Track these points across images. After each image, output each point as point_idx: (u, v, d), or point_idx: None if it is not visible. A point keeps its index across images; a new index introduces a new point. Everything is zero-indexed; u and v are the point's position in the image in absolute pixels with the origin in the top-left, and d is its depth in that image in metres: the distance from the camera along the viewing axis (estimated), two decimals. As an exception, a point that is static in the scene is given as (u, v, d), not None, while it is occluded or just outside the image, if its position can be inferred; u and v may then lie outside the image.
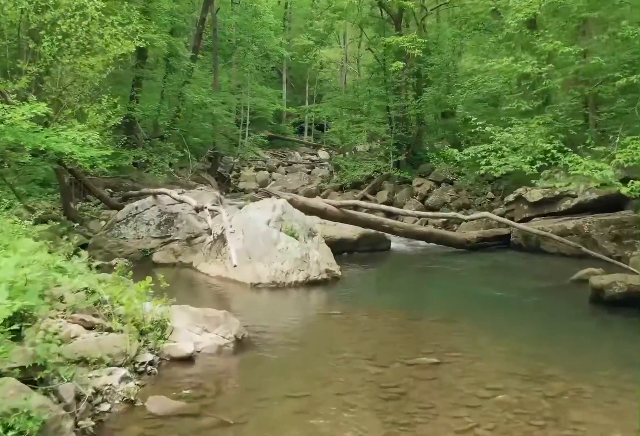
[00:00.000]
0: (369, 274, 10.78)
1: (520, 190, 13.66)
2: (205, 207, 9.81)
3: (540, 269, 11.20)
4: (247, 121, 34.06)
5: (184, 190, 11.54)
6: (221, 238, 10.01)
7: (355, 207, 11.63)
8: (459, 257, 12.31)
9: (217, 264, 9.70)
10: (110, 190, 16.78)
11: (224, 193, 27.05)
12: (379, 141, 33.81)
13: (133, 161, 18.92)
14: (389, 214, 14.17)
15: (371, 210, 11.73)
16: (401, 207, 18.13)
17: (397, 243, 13.14)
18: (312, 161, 35.90)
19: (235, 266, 8.62)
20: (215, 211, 9.75)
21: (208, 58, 34.76)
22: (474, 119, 10.01)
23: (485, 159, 9.32)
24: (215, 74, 28.21)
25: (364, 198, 19.46)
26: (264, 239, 9.32)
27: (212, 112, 25.80)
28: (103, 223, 12.23)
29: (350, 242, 12.16)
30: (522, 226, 11.76)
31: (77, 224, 12.11)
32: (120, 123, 18.09)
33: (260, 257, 9.14)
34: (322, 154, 38.23)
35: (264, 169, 31.21)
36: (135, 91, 19.36)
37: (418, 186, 18.76)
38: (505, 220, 12.05)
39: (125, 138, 19.64)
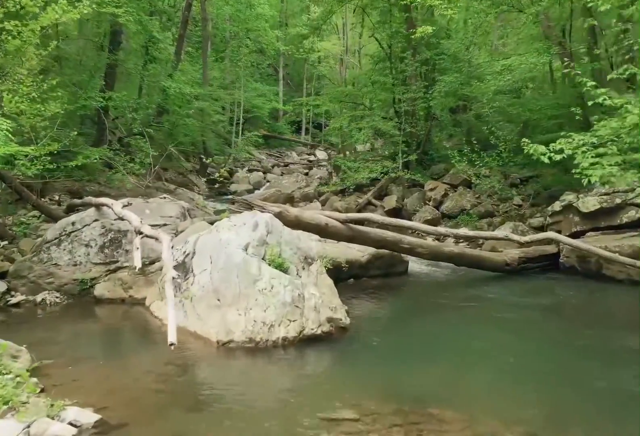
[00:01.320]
0: (387, 318, 7.63)
1: (569, 197, 10.56)
2: (141, 233, 6.63)
3: (612, 306, 8.14)
4: (241, 119, 30.92)
5: (129, 201, 8.38)
6: (182, 267, 6.93)
7: (364, 222, 8.50)
8: (497, 284, 9.21)
9: (176, 306, 6.59)
10: (69, 196, 13.70)
11: (213, 196, 24.06)
12: (380, 140, 30.88)
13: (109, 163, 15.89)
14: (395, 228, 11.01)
15: (383, 224, 8.48)
16: (413, 214, 15.09)
17: (415, 264, 10.06)
18: (310, 161, 32.75)
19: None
20: (154, 237, 6.52)
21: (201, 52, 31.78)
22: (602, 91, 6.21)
23: (585, 156, 6.02)
24: (204, 67, 25.10)
25: (368, 204, 16.38)
26: (239, 273, 6.22)
27: (201, 108, 22.77)
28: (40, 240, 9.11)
29: (359, 265, 9.08)
30: (607, 254, 8.54)
31: (5, 242, 9.01)
32: (83, 114, 15.29)
33: (234, 301, 6.05)
34: (320, 154, 35.11)
35: (258, 170, 28.06)
36: (107, 81, 16.28)
37: (431, 189, 15.67)
38: (590, 248, 8.78)
39: (96, 135, 16.65)
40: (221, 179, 26.17)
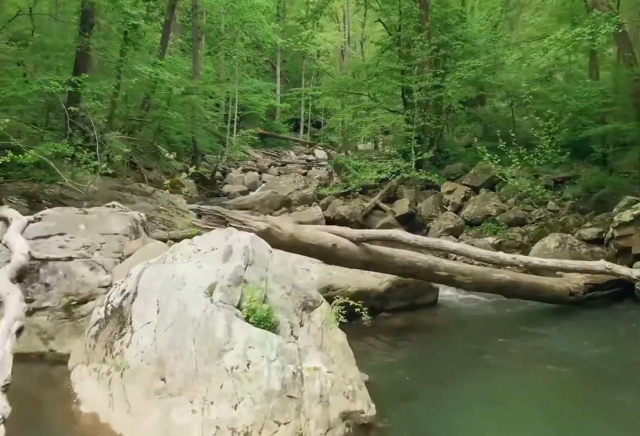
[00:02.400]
0: (426, 388, 5.03)
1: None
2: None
3: None
4: (236, 116, 28.35)
5: (54, 211, 5.79)
6: (118, 314, 4.41)
7: (381, 240, 5.88)
8: (557, 322, 6.68)
9: (100, 382, 4.06)
10: (24, 200, 11.15)
11: (203, 198, 21.48)
12: (382, 137, 28.40)
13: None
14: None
15: (415, 246, 5.76)
16: (429, 221, 12.56)
17: (445, 290, 7.53)
18: (308, 161, 30.19)
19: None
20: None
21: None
22: None
23: None
24: (195, 58, 22.51)
25: (375, 208, 13.84)
26: (197, 336, 3.68)
27: (189, 102, 20.20)
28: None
29: (375, 296, 6.54)
30: None
31: None
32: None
33: (185, 385, 3.51)
34: (319, 153, 32.55)
35: (253, 170, 25.50)
36: (77, 67, 13.68)
37: (449, 192, 13.12)
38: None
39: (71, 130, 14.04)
40: (217, 179, 23.69)
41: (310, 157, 31.42)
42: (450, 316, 6.99)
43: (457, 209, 12.83)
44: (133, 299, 4.42)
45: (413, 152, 13.30)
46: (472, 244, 10.49)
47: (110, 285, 5.22)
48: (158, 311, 4.13)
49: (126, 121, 16.85)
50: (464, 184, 13.38)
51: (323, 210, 14.34)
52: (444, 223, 11.39)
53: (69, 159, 10.89)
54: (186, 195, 19.10)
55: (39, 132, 13.71)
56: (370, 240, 5.39)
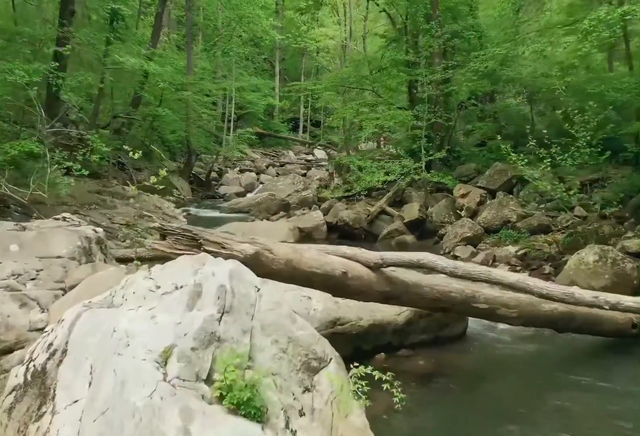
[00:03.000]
0: None
1: None
2: None
3: None
4: (232, 115, 26.92)
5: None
6: (40, 381, 3.03)
7: (407, 266, 4.42)
8: (618, 359, 5.31)
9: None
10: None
11: (197, 200, 20.08)
12: (382, 136, 27.04)
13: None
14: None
15: (454, 274, 4.31)
16: (442, 227, 11.19)
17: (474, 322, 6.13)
18: (308, 161, 28.81)
19: None
20: None
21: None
22: None
23: None
24: (188, 54, 21.06)
25: (381, 213, 12.45)
26: (136, 439, 2.33)
27: (182, 99, 18.81)
28: None
29: (393, 329, 5.17)
30: None
31: None
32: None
33: None
34: (319, 153, 31.16)
35: (250, 171, 24.11)
36: (57, 59, 12.29)
37: (462, 195, 11.72)
38: None
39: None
40: (212, 180, 22.30)
41: (310, 157, 30.06)
42: (483, 353, 5.60)
43: (472, 215, 11.44)
44: (60, 361, 3.03)
45: (423, 151, 11.90)
46: (494, 256, 9.14)
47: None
48: (90, 384, 2.74)
49: (113, 118, 15.43)
50: (479, 187, 11.99)
51: (324, 214, 12.96)
52: (461, 230, 9.99)
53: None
54: (178, 197, 17.74)
55: (14, 129, 12.34)
56: (392, 266, 4.01)
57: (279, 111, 33.61)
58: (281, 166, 26.65)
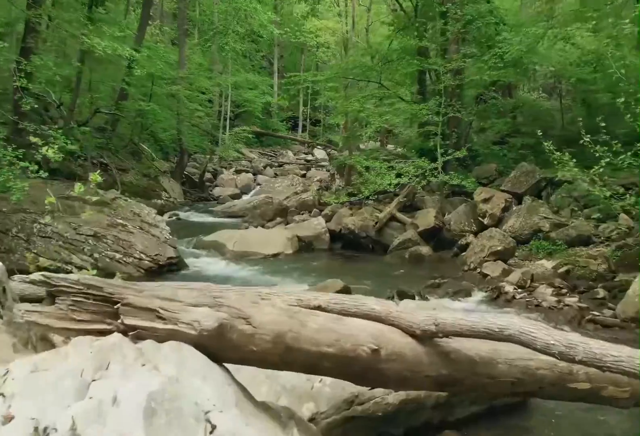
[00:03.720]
0: None
1: None
2: None
3: None
4: (229, 113, 25.24)
5: None
6: None
7: (482, 337, 2.71)
8: None
9: None
10: None
11: (189, 203, 18.38)
12: (385, 136, 25.40)
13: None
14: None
15: (547, 352, 2.68)
16: (462, 237, 9.53)
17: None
18: (307, 161, 27.11)
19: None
20: None
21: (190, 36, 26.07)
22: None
23: None
24: (181, 48, 19.37)
25: (391, 219, 10.77)
26: None
27: (172, 94, 17.14)
28: None
29: (435, 402, 3.51)
30: None
31: None
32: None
33: None
34: (319, 153, 29.48)
35: (247, 171, 22.39)
36: (25, 45, 10.62)
37: (485, 200, 10.03)
38: None
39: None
40: (206, 181, 20.59)
41: (310, 157, 28.37)
42: (554, 431, 3.92)
43: (497, 223, 9.78)
44: None
45: (440, 150, 10.23)
46: (532, 275, 7.46)
47: None
48: None
49: (94, 113, 13.73)
50: (503, 191, 10.32)
51: (327, 221, 11.29)
52: (489, 243, 8.29)
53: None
54: (167, 200, 16.03)
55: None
56: (455, 336, 2.34)
57: (278, 109, 31.92)
58: (279, 166, 24.97)
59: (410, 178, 9.57)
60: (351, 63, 12.44)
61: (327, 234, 10.83)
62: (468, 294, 7.19)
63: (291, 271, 8.54)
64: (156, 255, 8.31)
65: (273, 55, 32.96)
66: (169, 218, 14.76)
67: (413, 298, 6.89)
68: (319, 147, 30.94)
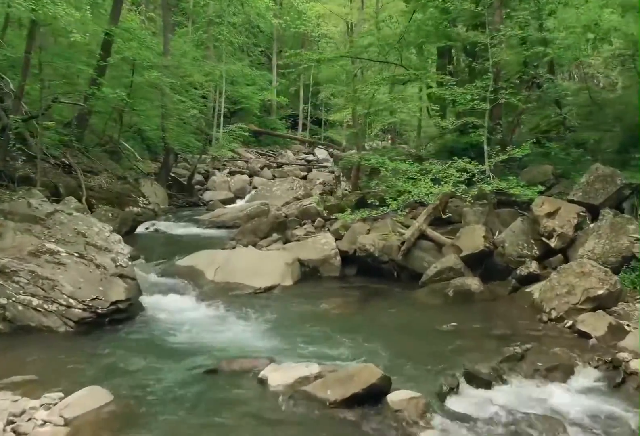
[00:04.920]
0: None
1: None
2: None
3: None
4: (222, 109, 22.41)
5: None
6: None
7: None
8: None
9: None
10: None
11: (173, 210, 15.51)
12: (391, 136, 22.62)
13: None
14: None
15: None
16: (520, 264, 6.72)
17: None
18: (308, 161, 24.23)
19: None
20: None
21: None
22: None
23: None
24: (165, 31, 16.50)
25: (421, 237, 7.93)
26: None
27: (154, 85, 14.28)
28: None
29: None
30: None
31: None
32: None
33: None
34: (320, 153, 26.66)
35: (242, 173, 19.52)
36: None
37: (549, 215, 7.15)
38: None
39: None
40: (196, 184, 17.73)
41: (311, 157, 25.51)
42: None
43: (568, 245, 6.97)
44: None
45: (486, 148, 7.40)
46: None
47: None
48: None
49: (51, 102, 10.85)
50: (571, 201, 7.47)
51: (337, 239, 8.45)
52: (583, 283, 5.41)
53: None
54: (145, 208, 13.13)
55: None
56: None
57: (277, 107, 29.04)
58: (278, 167, 22.10)
59: (454, 185, 6.70)
60: (365, 39, 9.51)
61: (338, 257, 8.01)
62: (569, 372, 4.38)
63: (289, 323, 5.72)
64: (93, 299, 5.47)
65: (272, 51, 30.06)
66: (146, 229, 11.95)
67: (489, 384, 4.09)
68: (320, 146, 28.13)
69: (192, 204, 16.32)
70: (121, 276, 6.24)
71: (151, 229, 11.89)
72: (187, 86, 18.29)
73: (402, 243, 7.71)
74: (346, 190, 15.80)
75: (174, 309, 6.19)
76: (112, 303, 5.57)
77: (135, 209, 12.30)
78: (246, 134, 22.01)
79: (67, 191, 11.16)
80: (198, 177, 18.27)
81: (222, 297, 6.62)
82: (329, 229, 9.36)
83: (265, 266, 7.51)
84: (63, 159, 11.83)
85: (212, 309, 6.20)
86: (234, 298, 6.64)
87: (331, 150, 27.27)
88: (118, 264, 6.41)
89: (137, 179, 14.75)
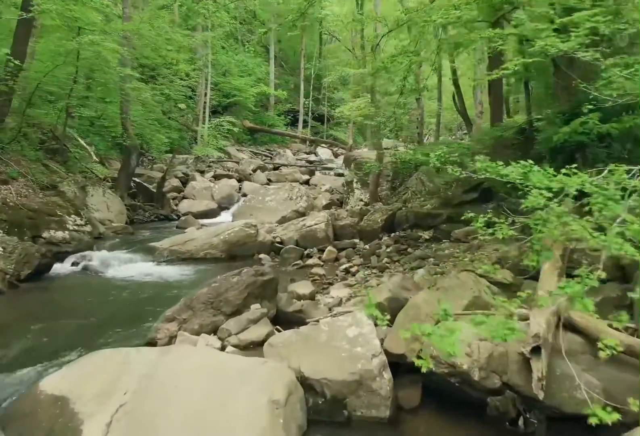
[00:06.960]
0: None
1: None
2: None
3: None
4: (209, 100, 17.88)
5: None
6: None
7: None
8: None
9: None
10: None
11: (140, 224, 10.83)
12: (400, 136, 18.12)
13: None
14: None
15: None
16: None
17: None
18: (310, 162, 19.69)
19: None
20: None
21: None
22: None
23: None
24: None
25: (558, 325, 3.49)
26: None
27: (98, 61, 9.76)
28: None
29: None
30: None
31: None
32: None
33: None
34: (323, 152, 22.16)
35: (230, 176, 14.96)
36: None
37: None
38: None
39: None
40: (167, 193, 13.21)
41: (312, 157, 20.99)
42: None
43: None
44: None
45: None
46: None
47: None
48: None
49: None
50: None
51: (376, 324, 3.94)
52: None
53: None
54: (77, 231, 8.59)
55: None
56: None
57: (275, 102, 24.50)
58: (275, 168, 17.57)
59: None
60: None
61: (386, 375, 3.53)
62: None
63: None
64: None
65: (269, 41, 25.48)
66: (73, 264, 7.48)
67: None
68: (323, 145, 23.68)
69: (163, 218, 11.85)
70: None
71: (80, 265, 7.41)
72: (162, 67, 13.76)
73: (534, 350, 3.24)
74: (362, 200, 11.40)
75: None
76: None
77: (58, 234, 7.79)
78: (236, 130, 17.52)
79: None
80: (174, 182, 13.77)
81: None
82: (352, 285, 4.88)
83: (229, 409, 3.05)
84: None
85: None
86: None
87: (335, 149, 22.81)
88: None
89: (83, 187, 10.26)
